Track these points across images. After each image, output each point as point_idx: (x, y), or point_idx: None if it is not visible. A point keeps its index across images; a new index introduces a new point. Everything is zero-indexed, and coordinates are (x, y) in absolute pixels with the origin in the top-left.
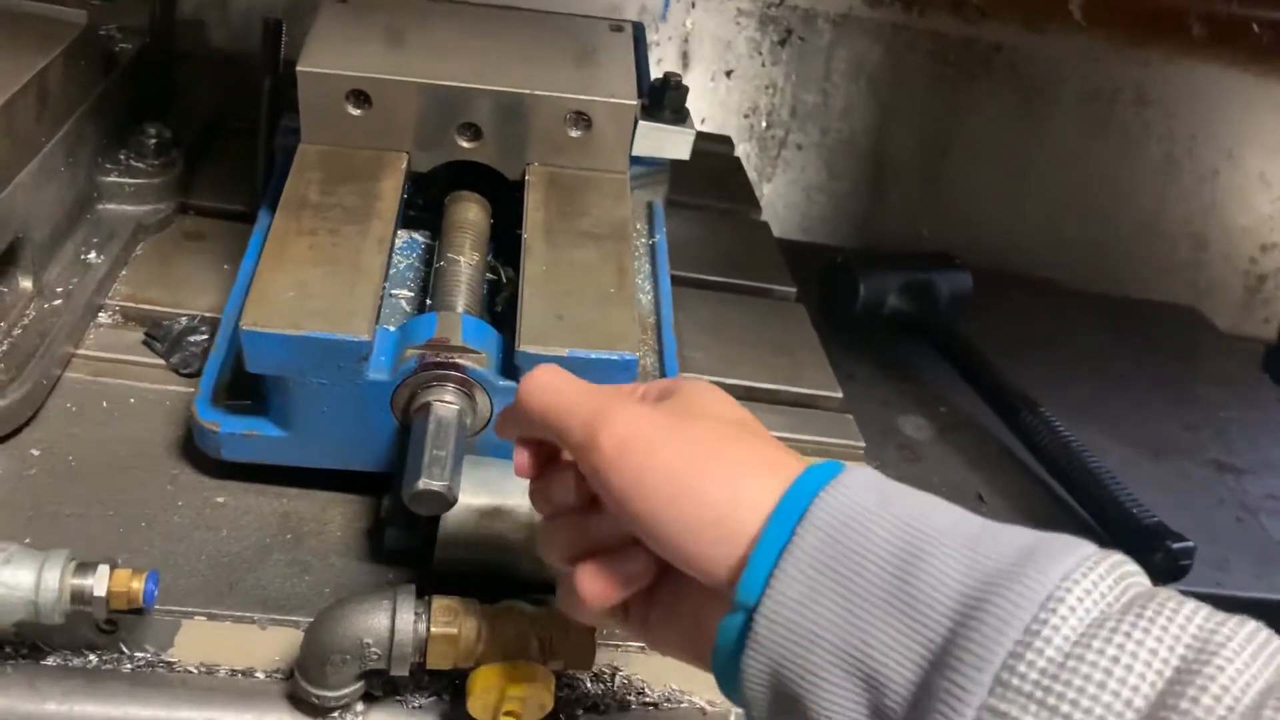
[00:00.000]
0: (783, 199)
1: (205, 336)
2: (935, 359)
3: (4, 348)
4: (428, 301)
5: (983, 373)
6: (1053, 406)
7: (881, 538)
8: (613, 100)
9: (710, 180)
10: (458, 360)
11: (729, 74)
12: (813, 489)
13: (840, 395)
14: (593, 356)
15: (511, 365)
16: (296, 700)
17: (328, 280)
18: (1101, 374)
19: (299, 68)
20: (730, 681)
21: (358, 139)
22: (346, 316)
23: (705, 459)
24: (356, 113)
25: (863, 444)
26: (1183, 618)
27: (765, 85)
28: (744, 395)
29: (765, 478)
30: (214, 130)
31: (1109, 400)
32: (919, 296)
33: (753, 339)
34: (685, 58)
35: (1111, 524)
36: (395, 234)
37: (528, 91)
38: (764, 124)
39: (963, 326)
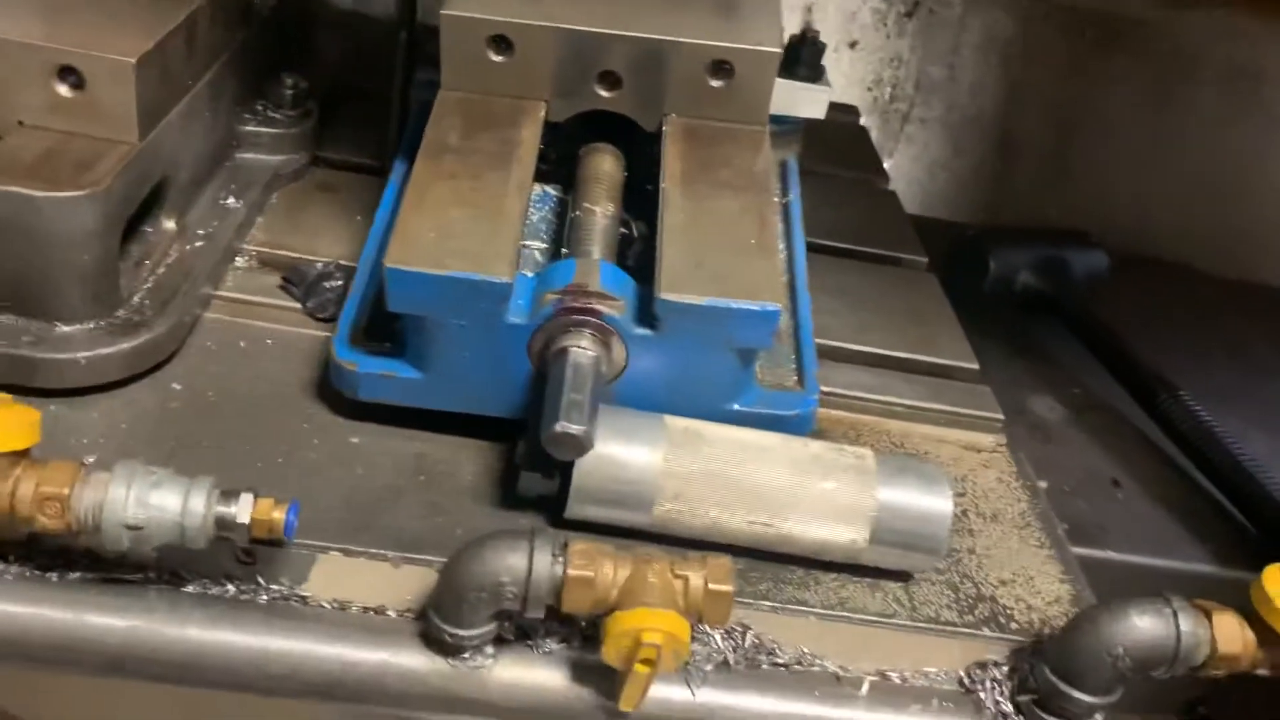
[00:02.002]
0: (905, 174)
1: (340, 283)
2: (1066, 338)
3: (149, 284)
4: (563, 251)
5: (1118, 354)
6: (1192, 392)
7: None
8: (757, 48)
9: (836, 149)
10: (596, 306)
11: (853, 45)
12: None
13: (976, 366)
14: (733, 306)
15: (648, 313)
16: (429, 639)
17: (469, 223)
18: (1243, 361)
19: (443, 11)
20: None
21: (497, 86)
22: (488, 258)
23: None
24: (497, 59)
25: (1001, 416)
26: None
27: (890, 58)
28: (877, 362)
29: None
30: (344, 88)
31: (1252, 389)
32: (1051, 274)
33: (884, 306)
34: (808, 28)
35: (1258, 514)
36: (532, 181)
37: (669, 39)
38: (888, 97)
39: (1096, 307)
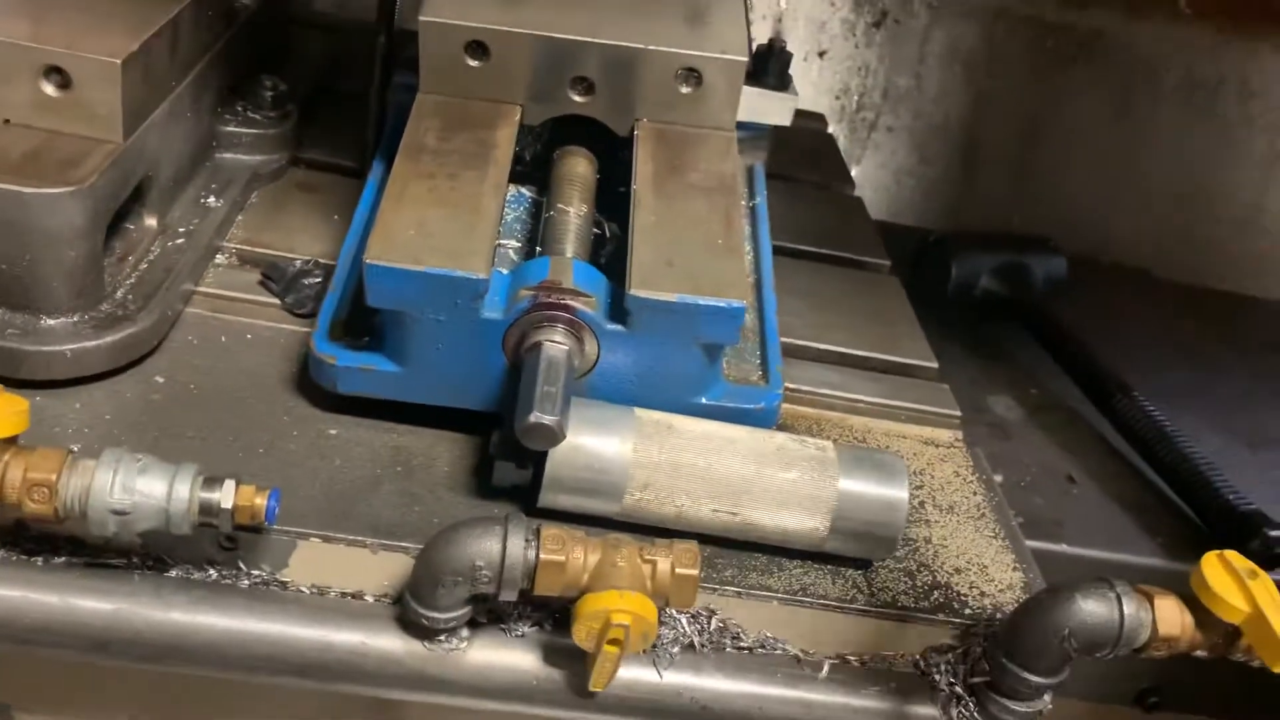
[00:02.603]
0: (871, 181)
1: (318, 279)
2: (1025, 341)
3: (132, 280)
4: (537, 249)
5: (1076, 356)
6: (1147, 393)
7: None
8: (724, 56)
9: (803, 155)
10: (569, 302)
11: (822, 54)
12: None
13: (936, 365)
14: (701, 303)
15: (620, 309)
16: (405, 622)
17: (447, 220)
18: (1197, 364)
19: (421, 17)
20: None
21: (474, 90)
22: (465, 255)
23: None
24: (474, 64)
25: (958, 413)
26: None
27: (858, 67)
28: (839, 360)
29: None
30: (322, 90)
31: (1205, 390)
32: (1012, 279)
33: (847, 307)
34: (776, 37)
35: (1207, 511)
36: (507, 182)
37: (641, 46)
38: (855, 106)
39: (1055, 311)
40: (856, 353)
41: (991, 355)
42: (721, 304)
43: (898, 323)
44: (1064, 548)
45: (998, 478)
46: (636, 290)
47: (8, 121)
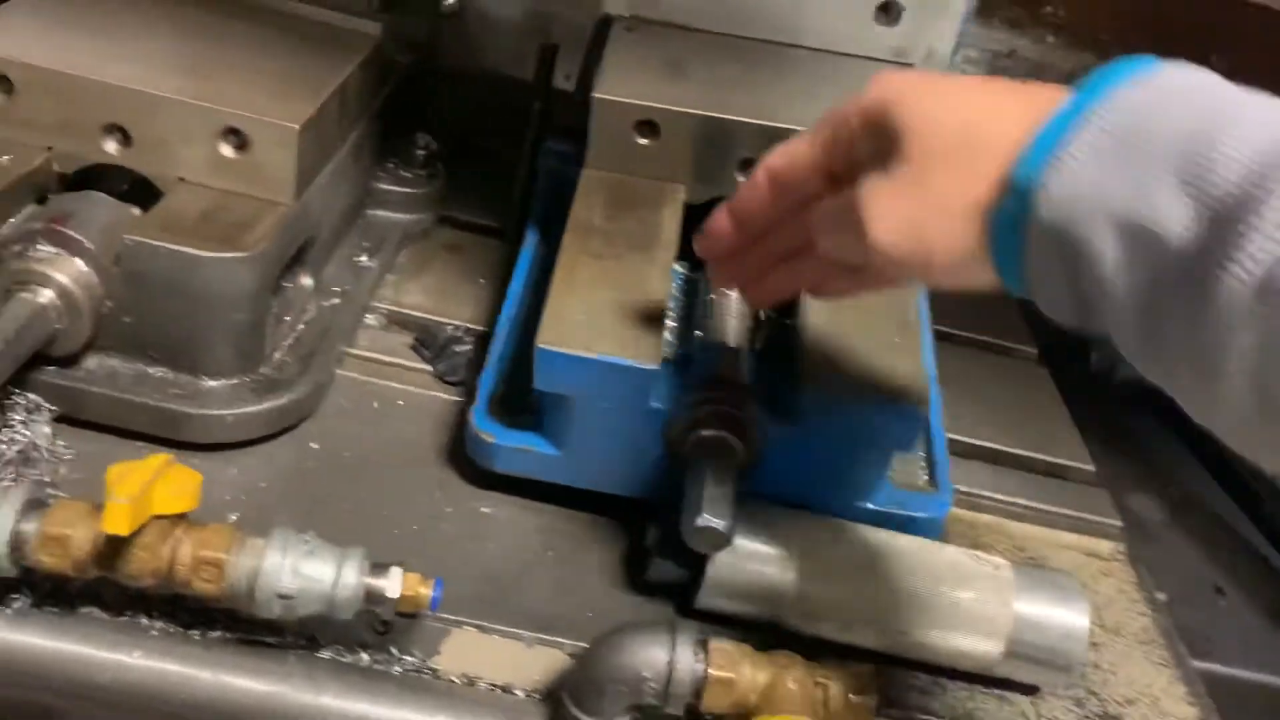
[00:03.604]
0: None
1: (468, 347)
2: (1165, 434)
3: (289, 341)
4: (695, 333)
5: (1221, 453)
6: None
7: (1179, 112)
8: None
9: None
10: (738, 397)
11: None
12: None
13: (1093, 468)
14: (879, 407)
15: (789, 408)
16: None
17: (617, 305)
18: None
19: (595, 94)
20: (1006, 256)
21: (640, 168)
22: (636, 343)
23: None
24: (643, 142)
25: (1119, 522)
26: None
27: None
28: (990, 458)
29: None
30: (464, 147)
31: None
32: None
33: (995, 398)
34: None
35: None
36: (673, 263)
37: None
38: None
39: None
40: (1009, 450)
41: (1130, 448)
42: (901, 409)
43: (1050, 418)
44: (1217, 668)
45: (1161, 596)
46: (809, 389)
47: (182, 179)
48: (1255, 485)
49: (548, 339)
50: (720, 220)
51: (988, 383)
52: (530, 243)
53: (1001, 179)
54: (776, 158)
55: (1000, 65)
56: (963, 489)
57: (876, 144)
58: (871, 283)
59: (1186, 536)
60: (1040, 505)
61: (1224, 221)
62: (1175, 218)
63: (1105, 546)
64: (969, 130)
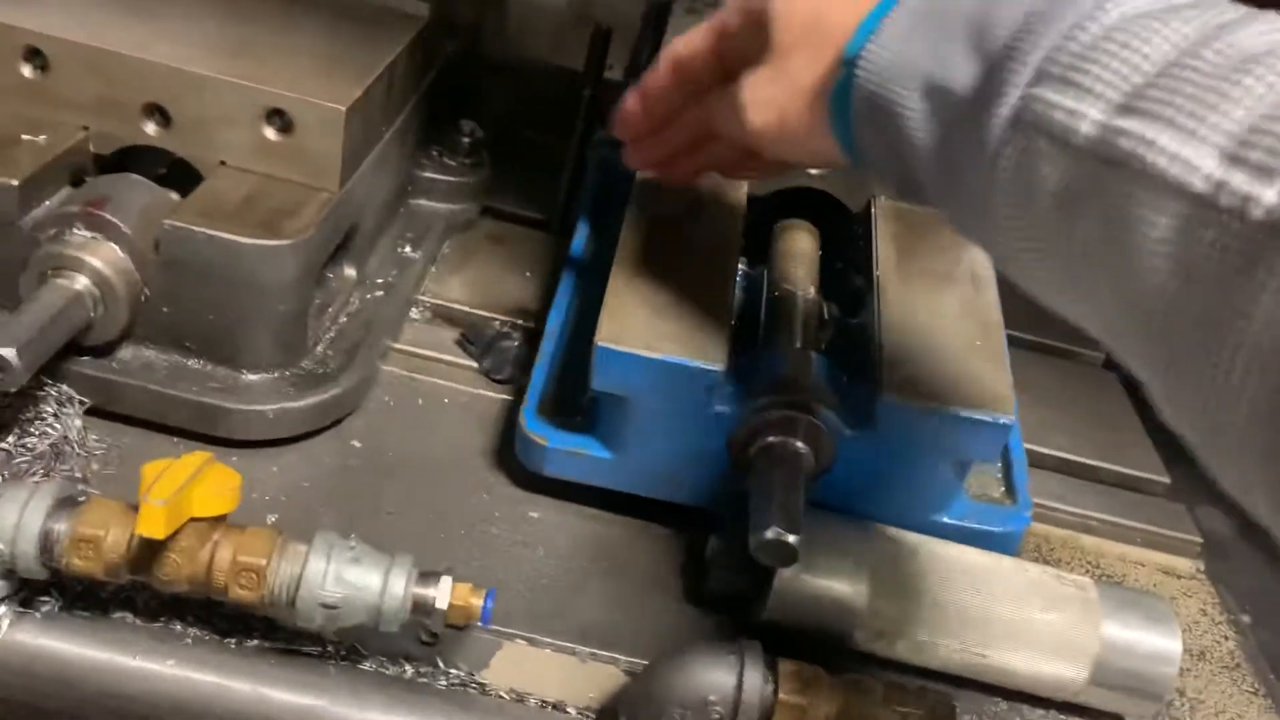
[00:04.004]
0: None
1: (515, 344)
2: None
3: (332, 334)
4: (760, 334)
5: None
6: None
7: None
8: None
9: None
10: (808, 402)
11: None
12: None
13: (1168, 480)
14: (963, 415)
15: (864, 414)
16: None
17: (680, 303)
18: None
19: None
20: (841, 127)
21: None
22: (701, 343)
23: None
24: None
25: (1199, 538)
26: (1218, 9)
27: None
28: (1062, 468)
29: None
30: (509, 136)
31: None
32: None
33: (1065, 405)
34: None
35: None
36: (738, 260)
37: None
38: None
39: None
40: (1081, 460)
41: (1194, 460)
42: (986, 418)
43: (1121, 425)
44: None
45: (1245, 618)
46: (889, 395)
47: (223, 163)
48: None
49: (607, 337)
50: (631, 102)
51: (1054, 388)
52: (581, 235)
53: (838, 58)
54: (677, 45)
55: None
56: (1034, 500)
57: (756, 37)
58: (766, 165)
59: (1263, 552)
60: (1115, 519)
61: (995, 69)
62: (963, 72)
63: (1184, 564)
64: (819, 17)
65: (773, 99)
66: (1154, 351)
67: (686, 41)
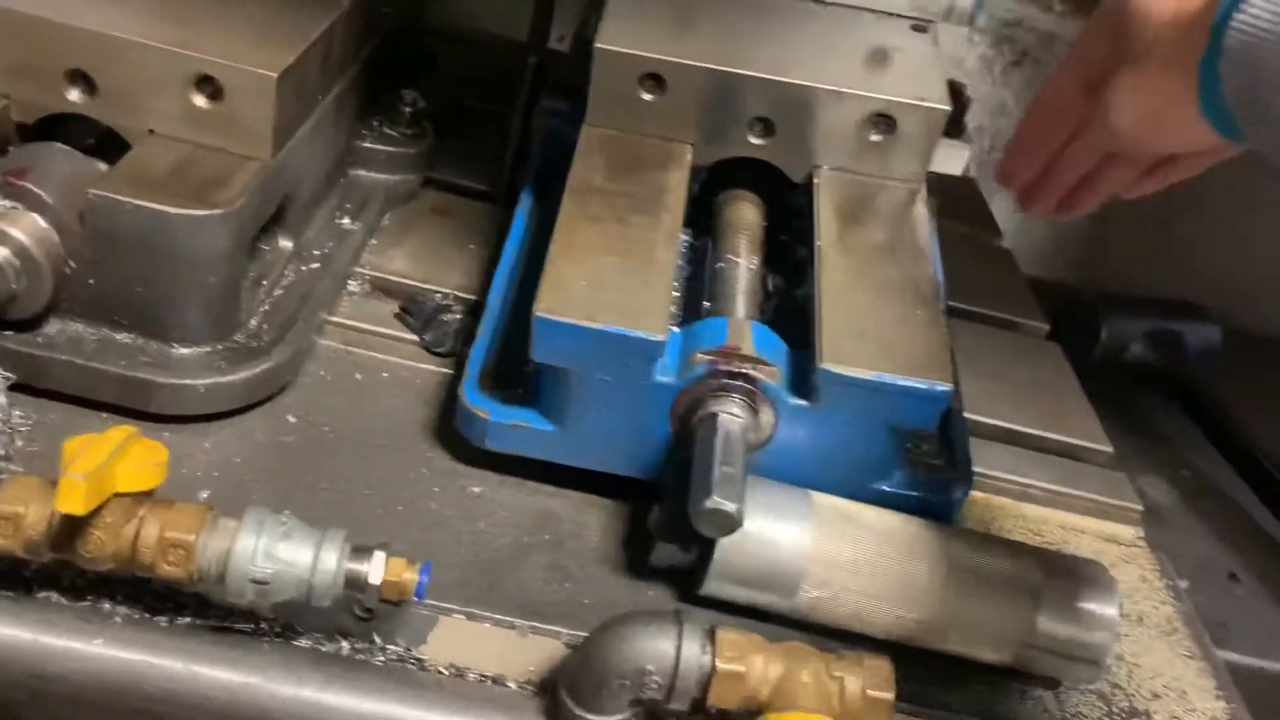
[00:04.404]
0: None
1: (458, 316)
2: (1175, 415)
3: (266, 307)
4: (704, 305)
5: (1234, 436)
6: None
7: None
8: (924, 104)
9: (946, 199)
10: (750, 371)
11: None
12: None
13: (1110, 450)
14: (901, 383)
15: (804, 383)
16: (557, 719)
17: (620, 272)
18: None
19: (597, 44)
20: (1213, 107)
21: (644, 126)
22: (641, 313)
23: None
24: (648, 98)
25: (1139, 506)
26: None
27: (994, 107)
28: (1006, 438)
29: None
30: (455, 107)
31: None
32: (1164, 347)
33: (1007, 376)
34: (953, 81)
35: None
36: (680, 230)
37: (831, 88)
38: (987, 147)
39: (1210, 385)
40: (1023, 430)
41: (1141, 430)
42: (923, 386)
43: (1064, 397)
44: (1234, 656)
45: (1183, 583)
46: (828, 364)
47: (152, 131)
48: (1270, 469)
49: (546, 307)
50: (1009, 153)
51: (998, 359)
52: (525, 206)
53: (1204, 36)
54: (1041, 89)
55: (1007, 33)
56: (976, 470)
57: (1118, 47)
58: (1162, 172)
59: (1200, 521)
60: (1057, 487)
61: None
62: None
63: (1125, 532)
64: (1180, 6)
65: (1139, 95)
66: None
67: (1049, 80)
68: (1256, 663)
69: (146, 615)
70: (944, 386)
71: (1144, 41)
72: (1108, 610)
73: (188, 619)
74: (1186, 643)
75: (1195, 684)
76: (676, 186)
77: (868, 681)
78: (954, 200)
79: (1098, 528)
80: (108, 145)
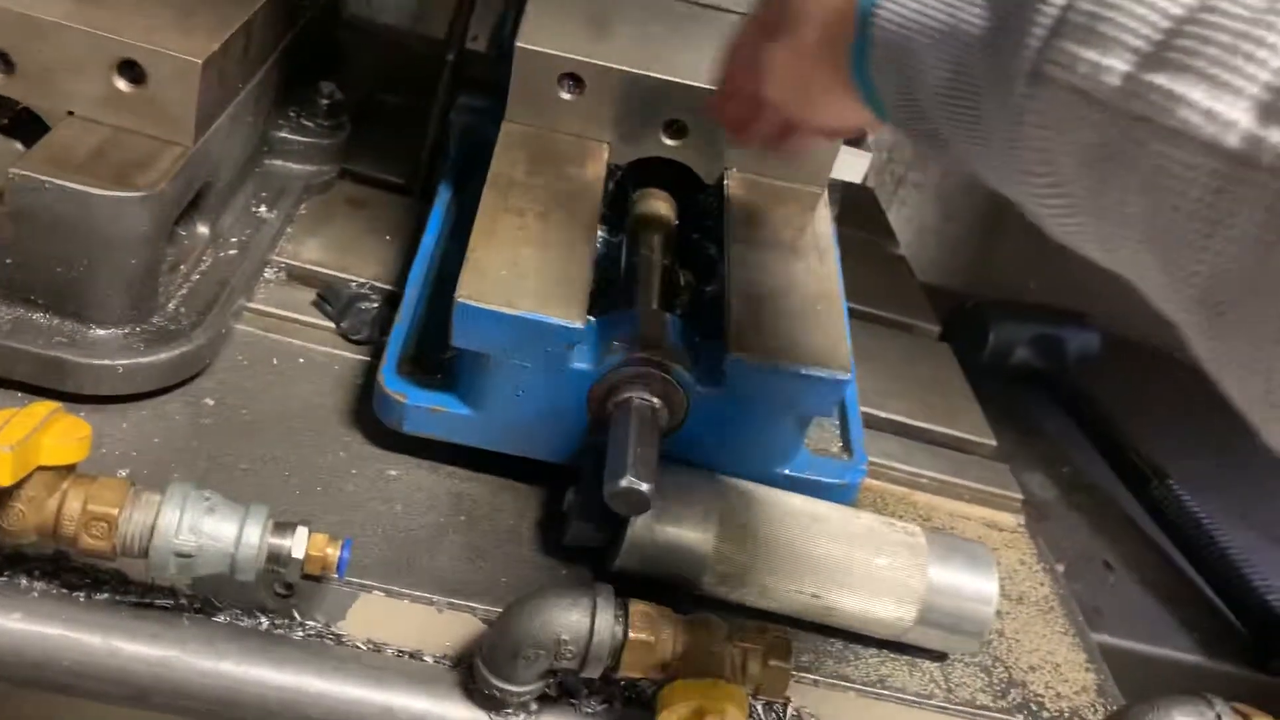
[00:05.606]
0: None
1: (375, 305)
2: (1056, 414)
3: (184, 291)
4: (619, 296)
5: (1110, 436)
6: (1182, 481)
7: None
8: None
9: (843, 207)
10: (663, 360)
11: None
12: None
13: (994, 443)
14: (803, 372)
15: (713, 372)
16: (472, 690)
17: (540, 262)
18: (1228, 451)
19: (518, 44)
20: (866, 87)
21: (562, 124)
22: (560, 301)
23: None
24: (566, 97)
25: (1020, 496)
26: None
27: None
28: (899, 431)
29: None
30: (371, 101)
31: (1238, 480)
32: (1048, 351)
33: (901, 373)
34: None
35: (1243, 610)
36: (598, 223)
37: None
38: (884, 159)
39: (1088, 387)
40: (915, 423)
41: (1023, 428)
42: (824, 374)
43: (953, 393)
44: (1106, 638)
45: (1059, 567)
46: (735, 354)
47: (71, 113)
48: (1143, 467)
49: (468, 294)
50: (716, 95)
51: (893, 358)
52: (442, 199)
53: (853, 16)
54: (732, 37)
55: None
56: (871, 459)
57: (781, 12)
58: (807, 135)
59: (1077, 513)
60: (945, 477)
61: (1013, 18)
62: (979, 22)
63: (1007, 519)
64: None
65: (790, 70)
66: (1196, 315)
67: (741, 25)
68: (1126, 644)
69: (64, 591)
70: (843, 375)
71: (800, 14)
72: (988, 586)
73: (107, 595)
74: (1061, 621)
75: (1069, 658)
76: (594, 183)
77: (770, 652)
78: (853, 208)
79: (981, 514)
80: (24, 126)
